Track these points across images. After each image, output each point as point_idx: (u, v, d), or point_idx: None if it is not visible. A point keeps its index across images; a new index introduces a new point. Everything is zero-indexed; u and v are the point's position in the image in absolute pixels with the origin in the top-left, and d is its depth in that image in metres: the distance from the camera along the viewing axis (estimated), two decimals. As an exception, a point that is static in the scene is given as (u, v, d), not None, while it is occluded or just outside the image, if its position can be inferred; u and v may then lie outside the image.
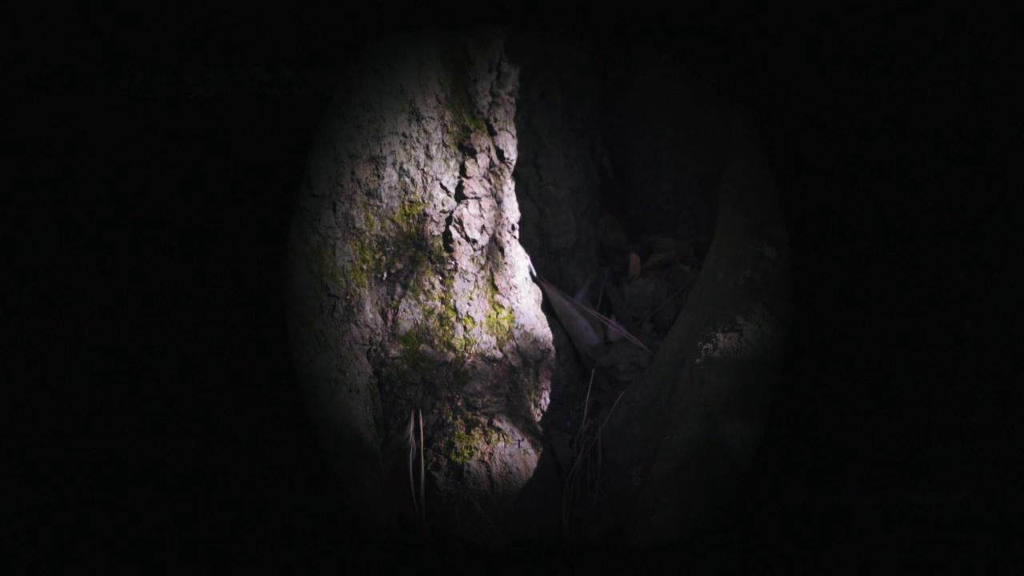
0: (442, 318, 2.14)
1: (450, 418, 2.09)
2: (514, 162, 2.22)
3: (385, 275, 2.12)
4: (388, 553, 1.92)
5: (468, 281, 2.17)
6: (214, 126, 1.94)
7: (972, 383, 1.77)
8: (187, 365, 1.94)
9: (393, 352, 2.11)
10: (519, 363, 2.20)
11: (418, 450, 2.05)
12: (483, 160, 2.17)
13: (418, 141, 2.09)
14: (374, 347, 2.10)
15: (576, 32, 2.49)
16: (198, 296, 1.96)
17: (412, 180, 2.11)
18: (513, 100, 2.21)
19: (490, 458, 2.06)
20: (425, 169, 2.11)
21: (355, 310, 2.08)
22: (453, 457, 2.05)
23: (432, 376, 2.12)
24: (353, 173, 2.05)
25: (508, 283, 2.22)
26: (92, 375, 1.93)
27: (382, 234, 2.10)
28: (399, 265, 2.12)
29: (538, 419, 2.20)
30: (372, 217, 2.09)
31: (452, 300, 2.15)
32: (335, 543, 1.89)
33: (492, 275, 2.20)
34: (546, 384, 2.25)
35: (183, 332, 1.95)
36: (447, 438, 2.07)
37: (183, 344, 1.94)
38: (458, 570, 1.96)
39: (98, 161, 1.93)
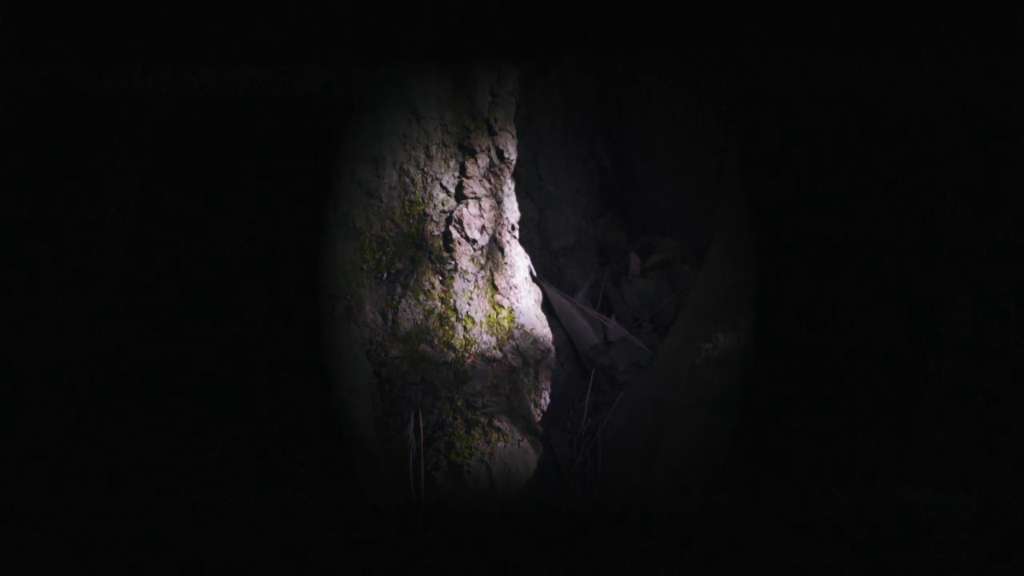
0: (442, 318, 2.14)
1: (450, 418, 2.09)
2: (514, 162, 2.22)
3: (385, 275, 2.12)
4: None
5: (468, 281, 2.16)
6: (214, 126, 1.95)
7: (959, 382, 1.77)
8: (194, 365, 1.95)
9: (393, 352, 2.11)
10: (519, 363, 2.20)
11: (418, 450, 2.05)
12: (483, 160, 2.17)
13: (418, 141, 2.09)
14: (374, 347, 2.10)
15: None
16: (203, 295, 1.96)
17: (412, 180, 2.11)
18: (513, 100, 2.21)
19: (490, 458, 2.06)
20: (425, 169, 2.11)
21: (355, 310, 2.08)
22: (453, 457, 2.05)
23: (432, 376, 2.12)
24: (353, 173, 2.05)
25: (508, 283, 2.22)
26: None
27: (382, 234, 2.10)
28: (399, 265, 2.12)
29: (538, 419, 2.20)
30: (372, 217, 2.09)
31: (452, 300, 2.15)
32: (336, 537, 1.89)
33: (492, 275, 2.20)
34: (546, 384, 2.25)
35: (187, 334, 1.95)
36: (447, 438, 2.07)
37: (189, 346, 1.95)
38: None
39: (106, 163, 1.93)
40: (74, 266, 1.94)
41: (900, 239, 1.81)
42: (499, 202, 2.20)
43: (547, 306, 2.34)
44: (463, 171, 2.15)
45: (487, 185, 2.18)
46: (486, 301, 2.19)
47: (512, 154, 2.21)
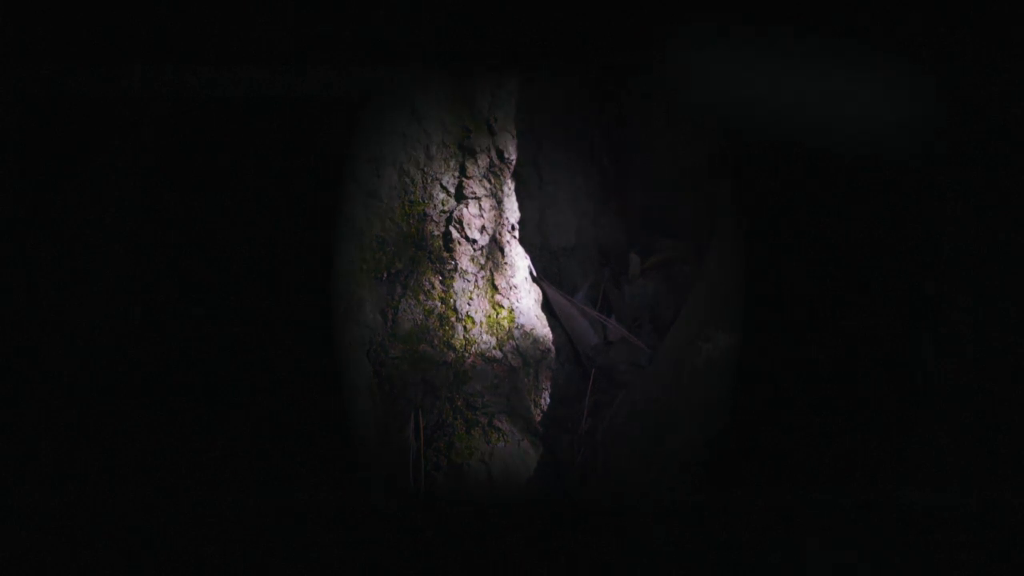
0: (442, 318, 2.14)
1: (450, 418, 2.09)
2: (514, 162, 2.22)
3: (385, 275, 2.11)
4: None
5: (468, 281, 2.16)
6: (214, 126, 1.94)
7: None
8: (194, 365, 1.94)
9: (393, 352, 2.11)
10: (519, 363, 2.20)
11: (418, 450, 2.05)
12: (483, 160, 2.17)
13: (418, 141, 2.09)
14: (374, 347, 2.10)
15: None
16: (203, 295, 1.96)
17: (412, 180, 2.11)
18: (513, 100, 2.21)
19: (490, 458, 2.06)
20: (425, 169, 2.11)
21: (355, 310, 2.08)
22: (453, 457, 2.05)
23: (432, 376, 2.12)
24: (353, 173, 2.05)
25: (508, 283, 2.22)
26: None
27: (382, 234, 2.10)
28: (399, 265, 2.12)
29: (538, 419, 2.20)
30: (372, 217, 2.09)
31: (452, 300, 2.15)
32: (337, 537, 1.89)
33: (492, 275, 2.20)
34: (546, 384, 2.25)
35: (188, 334, 1.95)
36: (447, 438, 2.07)
37: (189, 347, 1.95)
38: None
39: (106, 163, 1.93)
40: (74, 266, 1.94)
41: (900, 239, 1.81)
42: (499, 202, 2.20)
43: (547, 306, 2.34)
44: (463, 171, 2.15)
45: (487, 185, 2.18)
46: (486, 301, 2.19)
47: (512, 154, 2.21)
